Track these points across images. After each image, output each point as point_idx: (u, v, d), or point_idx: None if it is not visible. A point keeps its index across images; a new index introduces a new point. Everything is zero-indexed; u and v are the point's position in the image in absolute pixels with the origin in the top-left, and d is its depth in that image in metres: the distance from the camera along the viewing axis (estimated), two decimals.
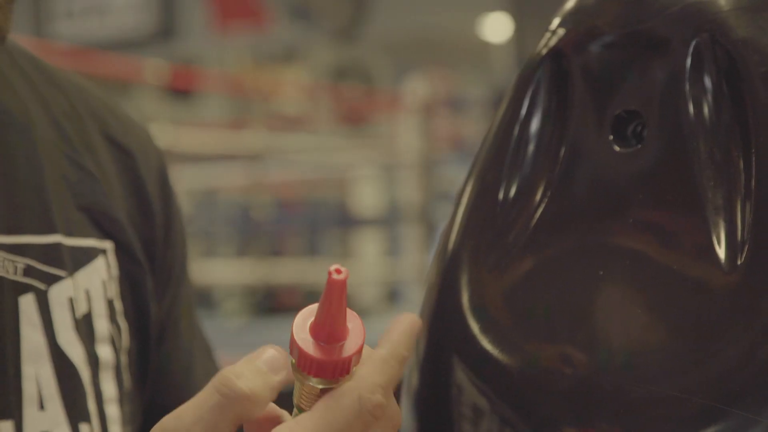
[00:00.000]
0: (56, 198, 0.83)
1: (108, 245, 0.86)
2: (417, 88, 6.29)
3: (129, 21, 9.27)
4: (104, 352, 0.84)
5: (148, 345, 0.89)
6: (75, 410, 0.80)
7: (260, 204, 7.56)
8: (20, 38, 0.88)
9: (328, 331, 0.61)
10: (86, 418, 0.81)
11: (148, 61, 7.07)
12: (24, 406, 0.78)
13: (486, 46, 9.02)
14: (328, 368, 0.61)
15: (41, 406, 0.79)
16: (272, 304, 7.22)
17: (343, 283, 0.60)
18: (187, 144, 6.43)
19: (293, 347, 0.61)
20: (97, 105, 0.92)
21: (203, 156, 6.80)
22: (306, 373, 0.61)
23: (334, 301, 0.60)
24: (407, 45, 8.86)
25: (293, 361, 0.62)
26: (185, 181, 6.59)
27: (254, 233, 7.45)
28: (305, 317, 0.62)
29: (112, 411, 0.84)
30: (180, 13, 9.38)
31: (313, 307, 0.62)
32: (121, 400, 0.85)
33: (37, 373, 0.79)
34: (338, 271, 0.60)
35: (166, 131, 6.27)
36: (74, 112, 0.89)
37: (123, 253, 0.87)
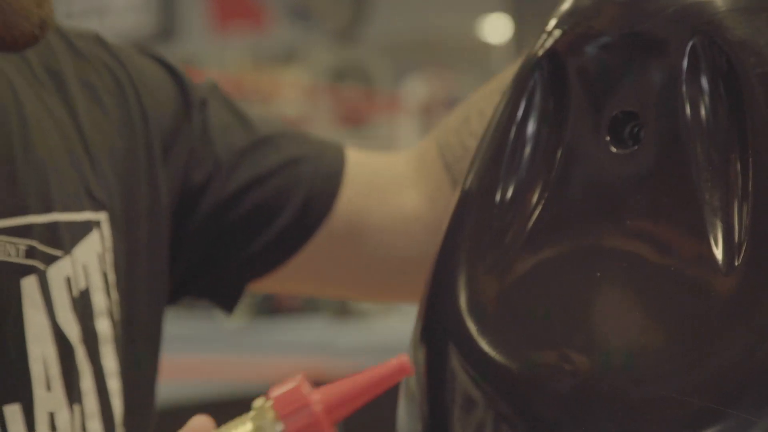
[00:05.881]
0: (53, 174, 0.83)
1: (102, 216, 0.86)
2: (416, 89, 6.29)
3: (129, 22, 9.27)
4: (103, 325, 0.84)
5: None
6: (71, 390, 0.81)
7: None
8: None
9: (339, 400, 0.62)
10: (78, 400, 0.81)
11: None
12: (34, 388, 0.78)
13: (486, 47, 9.01)
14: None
15: (48, 387, 0.79)
16: (272, 305, 7.21)
17: (399, 377, 0.61)
18: None
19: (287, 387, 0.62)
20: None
21: None
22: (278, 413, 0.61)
23: (373, 386, 0.62)
24: (407, 46, 8.85)
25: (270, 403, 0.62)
26: None
27: None
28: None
29: (113, 385, 0.84)
30: (180, 14, 9.37)
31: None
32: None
33: (43, 353, 0.79)
34: (406, 368, 0.61)
35: None
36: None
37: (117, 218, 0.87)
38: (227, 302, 0.99)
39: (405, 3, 8.59)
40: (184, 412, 0.93)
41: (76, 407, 0.81)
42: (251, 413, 0.62)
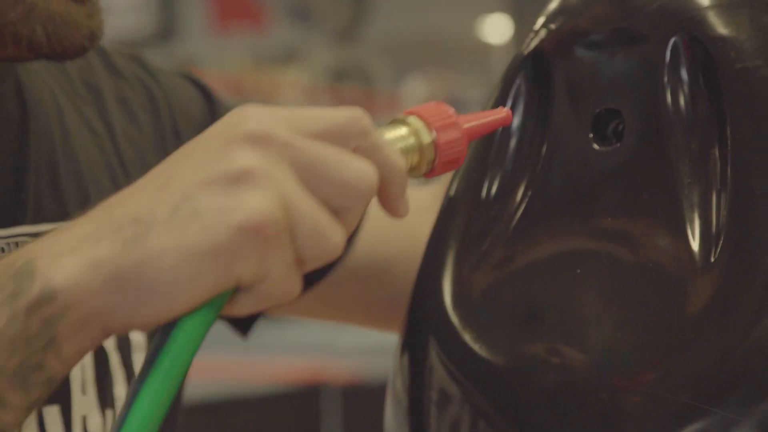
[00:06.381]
0: (92, 184, 0.84)
1: None
2: (416, 89, 6.30)
3: (129, 22, 9.26)
4: (136, 334, 0.84)
5: None
6: (104, 395, 0.81)
7: None
8: None
9: (469, 128, 0.65)
10: (111, 405, 0.82)
11: None
12: (72, 390, 0.79)
13: (486, 47, 9.00)
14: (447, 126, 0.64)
15: (83, 391, 0.80)
16: None
17: (504, 122, 0.66)
18: None
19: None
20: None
21: None
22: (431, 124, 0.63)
23: (488, 124, 0.65)
24: (407, 46, 8.84)
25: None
26: None
27: None
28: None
29: None
30: (180, 15, 9.37)
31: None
32: None
33: None
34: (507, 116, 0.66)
35: None
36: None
37: None
38: (243, 326, 0.99)
39: (405, 3, 8.58)
40: (184, 412, 0.94)
41: (109, 412, 0.82)
42: (401, 121, 0.63)
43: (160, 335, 0.58)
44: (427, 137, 0.63)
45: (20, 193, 0.80)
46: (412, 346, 0.73)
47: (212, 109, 0.97)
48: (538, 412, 0.65)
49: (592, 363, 0.64)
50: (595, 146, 0.70)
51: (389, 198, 0.61)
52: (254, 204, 0.56)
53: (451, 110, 0.64)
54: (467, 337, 0.69)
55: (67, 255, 0.57)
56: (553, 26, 0.73)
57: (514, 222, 0.72)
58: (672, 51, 0.67)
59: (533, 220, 0.71)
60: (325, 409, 3.63)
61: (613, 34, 0.70)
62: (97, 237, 0.57)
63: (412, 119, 0.63)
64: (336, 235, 0.58)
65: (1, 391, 0.57)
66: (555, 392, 0.65)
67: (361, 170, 0.59)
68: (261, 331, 1.01)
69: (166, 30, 9.32)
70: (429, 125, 0.63)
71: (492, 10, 8.46)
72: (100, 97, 0.90)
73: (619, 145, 0.69)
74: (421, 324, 0.73)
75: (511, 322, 0.69)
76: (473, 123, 0.65)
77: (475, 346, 0.69)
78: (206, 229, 0.56)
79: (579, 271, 0.67)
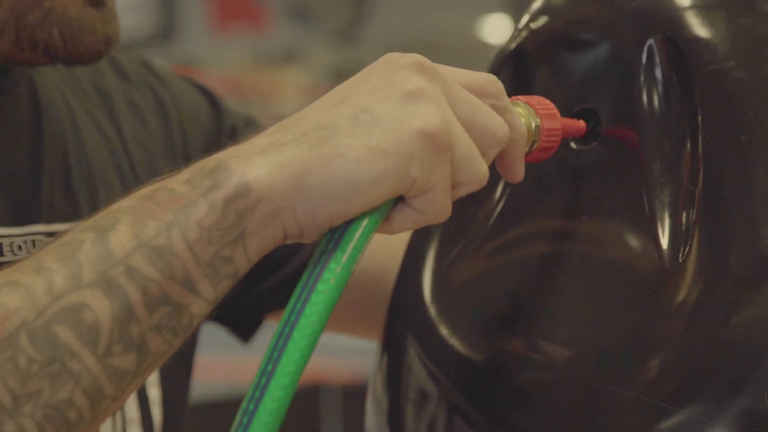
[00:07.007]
0: (102, 185, 0.85)
1: None
2: None
3: (129, 22, 9.25)
4: None
5: None
6: None
7: None
8: None
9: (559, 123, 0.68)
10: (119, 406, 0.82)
11: None
12: None
13: (486, 47, 9.01)
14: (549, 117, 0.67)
15: None
16: None
17: (578, 133, 0.69)
18: None
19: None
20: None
21: None
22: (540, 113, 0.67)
23: (570, 129, 0.68)
24: (407, 46, 8.83)
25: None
26: None
27: None
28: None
29: (153, 394, 0.85)
30: (180, 14, 9.37)
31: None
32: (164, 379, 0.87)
33: None
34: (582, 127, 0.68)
35: None
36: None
37: None
38: (244, 332, 0.99)
39: (405, 3, 8.59)
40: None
41: (118, 414, 0.82)
42: (512, 103, 0.67)
43: (327, 241, 0.61)
44: (535, 120, 0.67)
45: (36, 192, 0.81)
46: (392, 343, 0.74)
47: (218, 115, 0.97)
48: (508, 407, 0.66)
49: (563, 361, 0.65)
50: (573, 145, 0.70)
51: (511, 159, 0.66)
52: (428, 115, 0.61)
53: (552, 104, 0.68)
54: (444, 333, 0.70)
55: (257, 156, 0.60)
56: (534, 26, 0.73)
57: (492, 220, 0.72)
58: (648, 51, 0.67)
59: (511, 219, 0.72)
60: (325, 409, 3.63)
61: (592, 35, 0.70)
62: (282, 143, 0.60)
63: (522, 104, 0.67)
64: (484, 165, 0.63)
65: (195, 279, 0.60)
66: (526, 389, 0.65)
67: (500, 122, 0.64)
68: (261, 331, 1.01)
69: (166, 30, 9.32)
70: (536, 111, 0.67)
71: (492, 10, 8.46)
72: (110, 100, 0.90)
73: (595, 144, 0.69)
74: (400, 321, 0.73)
75: (487, 319, 0.69)
76: (567, 121, 0.69)
77: (451, 342, 0.69)
78: (388, 132, 0.60)
79: (553, 269, 0.68)
